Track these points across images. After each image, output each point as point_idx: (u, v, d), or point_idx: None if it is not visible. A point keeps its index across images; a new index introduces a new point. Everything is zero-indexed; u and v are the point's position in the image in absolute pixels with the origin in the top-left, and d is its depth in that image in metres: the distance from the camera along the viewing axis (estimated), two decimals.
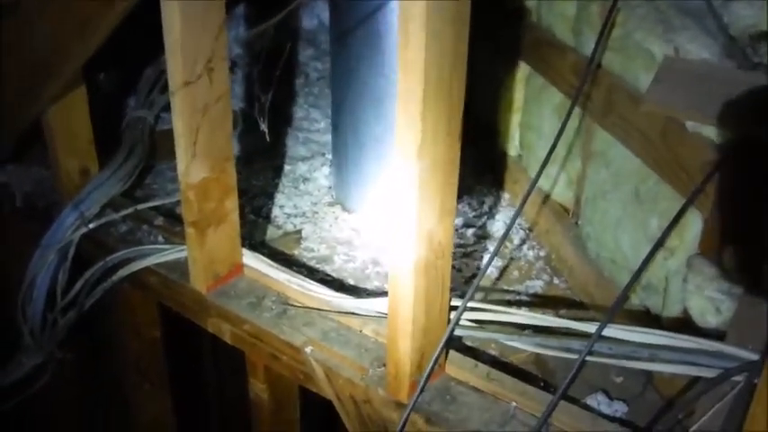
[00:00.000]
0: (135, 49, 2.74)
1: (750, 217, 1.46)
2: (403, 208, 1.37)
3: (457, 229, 2.47)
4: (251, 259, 1.96)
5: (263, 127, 1.71)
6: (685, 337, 1.37)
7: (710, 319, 1.53)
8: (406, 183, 1.34)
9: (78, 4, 1.58)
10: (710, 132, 1.48)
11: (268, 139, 1.77)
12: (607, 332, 1.42)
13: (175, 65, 1.62)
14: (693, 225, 1.57)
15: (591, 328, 1.50)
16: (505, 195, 2.64)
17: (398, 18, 1.22)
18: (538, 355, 1.81)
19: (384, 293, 2.03)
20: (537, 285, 2.20)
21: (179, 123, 1.68)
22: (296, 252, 2.33)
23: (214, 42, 1.62)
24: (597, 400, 1.67)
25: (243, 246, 2.00)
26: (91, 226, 2.12)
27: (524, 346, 1.60)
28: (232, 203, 1.87)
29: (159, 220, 2.23)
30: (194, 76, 1.59)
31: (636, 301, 1.86)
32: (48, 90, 1.91)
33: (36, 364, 2.22)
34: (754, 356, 1.28)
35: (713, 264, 1.52)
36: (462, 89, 1.33)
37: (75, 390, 2.60)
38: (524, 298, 2.15)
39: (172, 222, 2.25)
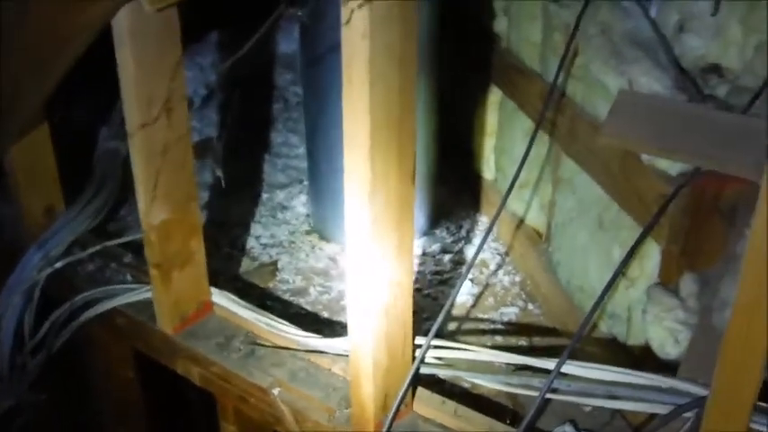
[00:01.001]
0: (108, 80, 2.73)
1: (704, 247, 1.46)
2: (357, 250, 1.36)
3: (434, 256, 2.46)
4: (219, 298, 1.94)
5: (219, 173, 1.70)
6: (640, 373, 1.37)
7: (670, 350, 1.52)
8: (357, 227, 1.33)
9: (31, 45, 1.57)
10: (664, 165, 1.47)
11: (223, 185, 1.76)
12: (566, 369, 1.41)
13: (131, 107, 1.61)
14: (653, 255, 1.56)
15: (550, 364, 1.49)
16: (483, 219, 2.63)
17: (342, 60, 1.21)
18: None
19: None
20: (511, 312, 2.19)
21: (137, 165, 1.67)
22: (271, 285, 2.32)
23: (170, 83, 1.61)
24: None
25: (215, 281, 1.98)
26: (57, 266, 2.09)
27: (488, 383, 1.58)
28: (197, 243, 1.85)
29: (128, 258, 2.21)
30: (151, 118, 1.58)
31: (604, 328, 1.85)
32: (6, 129, 1.89)
33: (8, 406, 2.19)
34: (705, 392, 1.27)
35: (672, 294, 1.51)
36: (413, 130, 1.32)
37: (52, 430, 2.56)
38: (498, 326, 2.14)
39: (141, 260, 2.22)
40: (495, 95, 2.53)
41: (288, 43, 3.67)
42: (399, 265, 1.43)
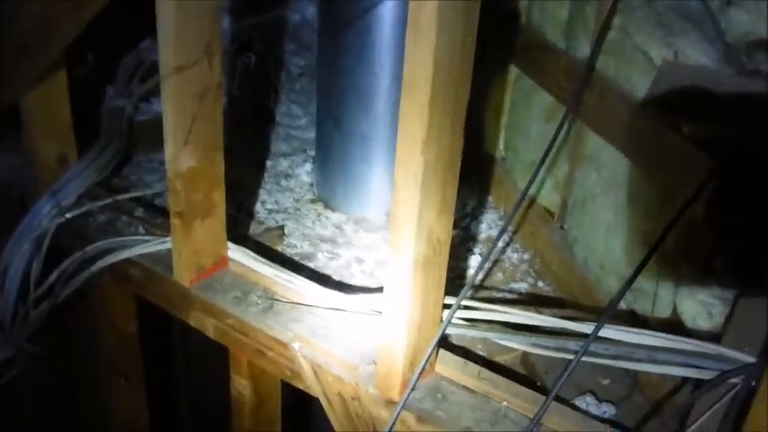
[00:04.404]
0: (112, 37, 2.68)
1: (742, 221, 1.46)
2: (404, 203, 1.34)
3: None
4: (236, 253, 1.92)
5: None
6: (683, 338, 1.37)
7: (702, 323, 1.53)
8: (408, 177, 1.31)
9: None
10: (706, 138, 1.47)
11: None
12: (603, 333, 1.41)
13: (167, 49, 1.57)
14: (687, 228, 1.57)
15: (585, 328, 1.50)
16: (489, 198, 2.64)
17: (410, 4, 1.20)
18: (525, 355, 1.80)
19: (371, 290, 2.02)
20: (521, 288, 2.19)
21: (170, 109, 1.63)
22: (279, 248, 2.30)
23: (213, 25, 1.57)
24: (586, 402, 1.66)
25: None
26: (68, 215, 2.05)
27: (519, 345, 1.58)
28: (220, 195, 1.83)
29: (139, 212, 2.18)
30: (191, 61, 1.54)
31: (622, 304, 1.85)
32: (29, 71, 1.84)
33: (4, 358, 2.14)
34: (751, 359, 1.28)
35: (706, 268, 1.52)
36: (469, 82, 1.32)
37: (46, 384, 2.52)
38: (509, 299, 2.14)
39: (152, 214, 2.19)
40: (509, 74, 2.53)
41: (293, 14, 3.65)
42: (441, 221, 1.42)
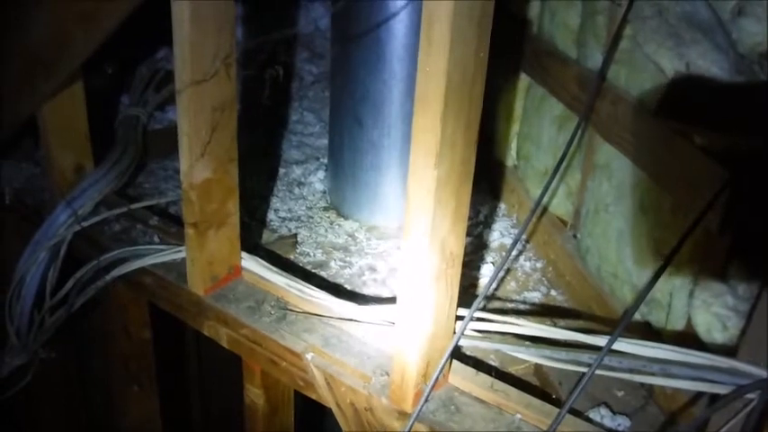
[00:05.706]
0: (128, 47, 2.70)
1: (759, 231, 1.46)
2: (417, 216, 1.35)
3: None
4: (250, 262, 1.93)
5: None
6: (698, 352, 1.36)
7: (717, 336, 1.52)
8: (421, 191, 1.32)
9: None
10: (719, 147, 1.46)
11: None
12: (617, 345, 1.40)
13: (184, 62, 1.58)
14: (701, 239, 1.56)
15: (598, 340, 1.49)
16: (501, 205, 2.64)
17: (422, 18, 1.20)
18: (538, 366, 1.80)
19: (384, 300, 2.02)
20: (534, 297, 2.19)
21: (186, 122, 1.64)
22: (291, 256, 2.31)
23: (229, 38, 1.58)
24: (600, 414, 1.65)
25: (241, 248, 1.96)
26: (85, 224, 2.07)
27: (531, 357, 1.58)
28: (233, 205, 1.84)
29: (154, 220, 2.20)
30: (208, 74, 1.55)
31: (637, 315, 1.85)
32: (46, 85, 1.86)
33: (19, 364, 2.17)
34: (766, 374, 1.27)
35: (720, 279, 1.51)
36: (482, 94, 1.32)
37: (60, 390, 2.54)
38: (522, 308, 2.14)
39: (167, 222, 2.21)
40: (521, 82, 2.53)
41: (306, 23, 3.66)
42: (454, 234, 1.42)
